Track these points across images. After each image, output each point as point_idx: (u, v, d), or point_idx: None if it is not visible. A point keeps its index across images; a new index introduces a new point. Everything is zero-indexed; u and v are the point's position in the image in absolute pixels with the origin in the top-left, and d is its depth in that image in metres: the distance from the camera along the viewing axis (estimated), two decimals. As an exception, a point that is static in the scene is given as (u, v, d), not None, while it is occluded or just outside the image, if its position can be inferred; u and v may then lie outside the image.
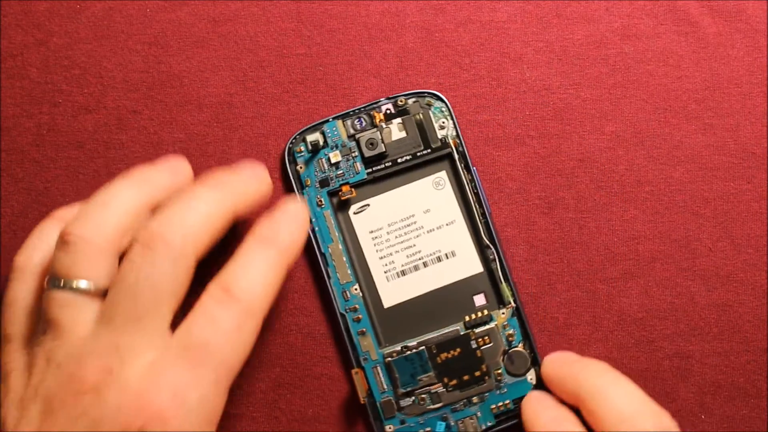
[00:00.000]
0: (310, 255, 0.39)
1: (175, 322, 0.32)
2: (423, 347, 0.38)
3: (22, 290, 0.35)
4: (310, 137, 0.38)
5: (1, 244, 0.40)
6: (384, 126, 0.39)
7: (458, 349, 0.38)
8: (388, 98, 0.39)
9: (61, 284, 0.32)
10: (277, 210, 0.35)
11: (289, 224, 0.34)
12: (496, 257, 0.38)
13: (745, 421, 0.39)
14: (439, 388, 0.38)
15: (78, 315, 0.32)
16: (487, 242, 0.38)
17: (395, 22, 0.40)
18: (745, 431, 0.39)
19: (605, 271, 0.39)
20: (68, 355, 0.31)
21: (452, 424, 0.38)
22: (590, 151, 0.40)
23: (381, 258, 0.39)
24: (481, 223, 0.38)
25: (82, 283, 0.32)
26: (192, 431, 0.30)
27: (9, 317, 0.34)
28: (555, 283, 0.39)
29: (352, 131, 0.39)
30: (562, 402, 0.36)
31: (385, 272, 0.39)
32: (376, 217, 0.39)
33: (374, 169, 0.39)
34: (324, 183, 0.39)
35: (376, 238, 0.39)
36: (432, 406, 0.38)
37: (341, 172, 0.39)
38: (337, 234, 0.38)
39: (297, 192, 0.39)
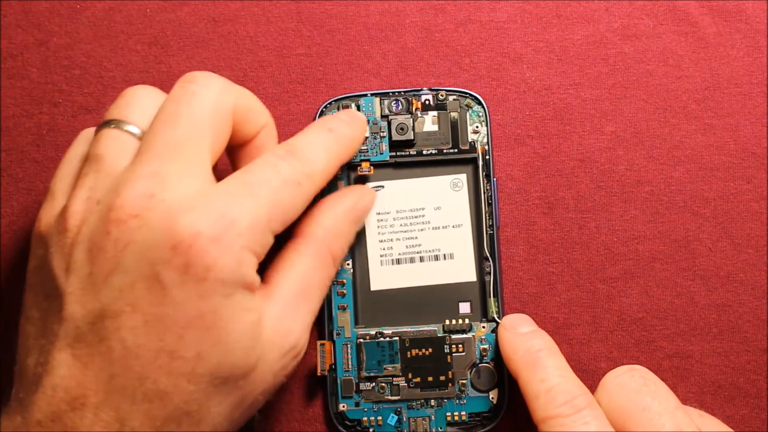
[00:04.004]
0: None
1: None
2: (397, 338, 0.38)
3: (81, 151, 0.34)
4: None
5: (1, 243, 0.40)
6: (419, 115, 0.39)
7: (430, 349, 0.38)
8: (431, 89, 0.39)
9: (111, 125, 0.32)
10: (341, 111, 0.38)
11: (348, 121, 0.36)
12: (492, 271, 0.38)
13: (745, 421, 0.39)
14: (401, 381, 0.38)
15: (120, 149, 0.32)
16: (488, 254, 0.38)
17: (395, 22, 0.40)
18: (745, 431, 0.39)
19: (605, 271, 0.39)
20: (108, 189, 0.30)
21: (404, 419, 0.38)
22: (590, 151, 0.40)
23: (381, 241, 0.39)
24: (487, 234, 0.38)
25: (132, 128, 0.32)
26: (241, 256, 0.29)
27: (59, 173, 0.34)
28: (555, 283, 0.39)
29: (386, 111, 0.39)
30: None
31: (380, 256, 0.39)
32: (387, 201, 0.39)
33: (398, 154, 0.39)
34: None
35: (381, 220, 0.39)
36: (390, 397, 0.38)
37: (365, 148, 0.39)
38: None
39: None
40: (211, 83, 0.32)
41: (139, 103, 0.33)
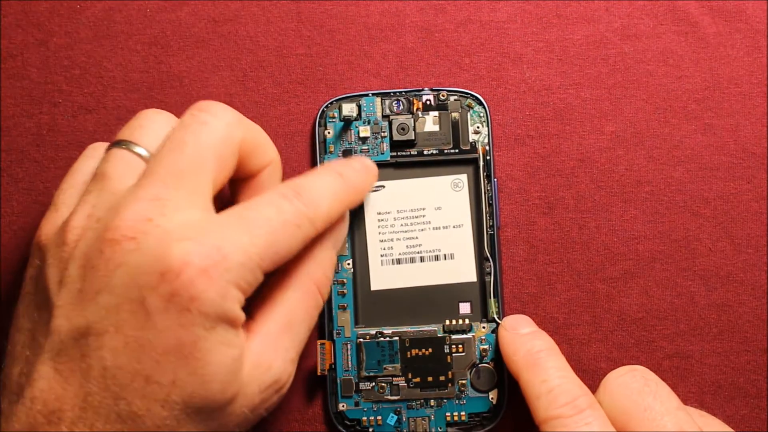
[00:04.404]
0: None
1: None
2: (397, 338, 0.38)
3: (87, 165, 0.34)
4: (346, 107, 0.39)
5: (1, 244, 0.40)
6: (420, 115, 0.39)
7: (430, 349, 0.38)
8: (432, 89, 0.39)
9: (122, 145, 0.33)
10: (352, 157, 0.37)
11: (359, 169, 0.36)
12: (492, 272, 0.38)
13: (745, 421, 0.39)
14: (401, 381, 0.38)
15: (127, 169, 0.32)
16: (488, 255, 0.38)
17: (395, 22, 0.40)
18: (745, 431, 0.39)
19: (605, 271, 0.39)
20: (109, 208, 0.31)
21: (404, 419, 0.38)
22: (590, 151, 0.40)
23: (381, 241, 0.39)
24: (487, 234, 0.38)
25: (141, 150, 0.33)
26: (226, 291, 0.29)
27: (63, 185, 0.34)
28: (555, 283, 0.39)
29: (388, 111, 0.39)
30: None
31: (381, 256, 0.39)
32: (388, 201, 0.39)
33: (399, 153, 0.39)
34: (347, 153, 0.39)
35: (382, 220, 0.39)
36: (389, 397, 0.38)
37: (366, 147, 0.39)
38: None
39: (318, 155, 0.39)
40: (221, 114, 0.32)
41: (151, 127, 0.33)
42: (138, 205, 0.30)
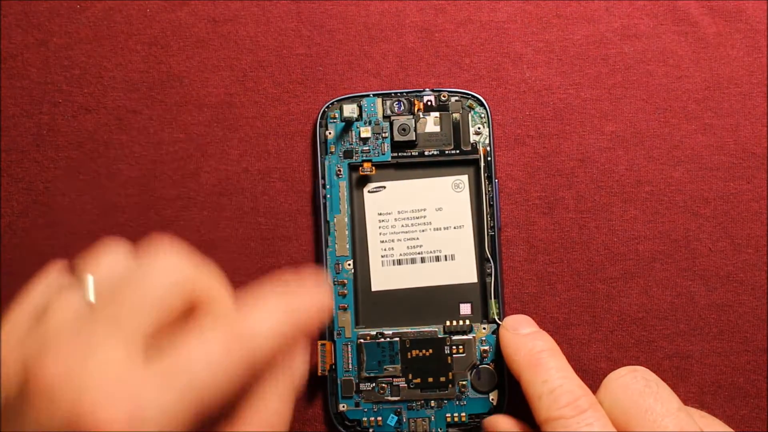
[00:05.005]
0: (316, 221, 0.39)
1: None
2: (397, 339, 0.38)
3: (39, 295, 0.33)
4: (347, 108, 0.39)
5: (1, 243, 0.40)
6: (421, 116, 0.39)
7: (431, 350, 0.38)
8: (433, 90, 0.39)
9: (73, 284, 0.32)
10: (307, 286, 0.32)
11: (312, 304, 0.31)
12: (493, 273, 0.38)
13: (745, 421, 0.39)
14: (401, 382, 0.38)
15: (68, 312, 0.31)
16: (489, 256, 0.38)
17: (395, 22, 0.40)
18: (745, 431, 0.39)
19: (605, 271, 0.39)
20: (37, 354, 0.30)
21: (404, 420, 0.38)
22: (590, 151, 0.40)
23: (382, 242, 0.39)
24: (488, 235, 0.38)
25: (88, 293, 0.31)
26: None
27: (11, 316, 0.33)
28: (555, 283, 0.39)
29: (389, 112, 0.39)
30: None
31: (382, 256, 0.39)
32: (389, 202, 0.39)
33: (400, 154, 0.39)
34: (348, 154, 0.39)
35: (382, 221, 0.39)
36: (390, 398, 0.38)
37: (367, 148, 0.39)
38: (346, 207, 0.39)
39: (319, 156, 0.39)
40: (170, 266, 0.30)
41: (107, 265, 0.32)
42: (60, 356, 0.29)
